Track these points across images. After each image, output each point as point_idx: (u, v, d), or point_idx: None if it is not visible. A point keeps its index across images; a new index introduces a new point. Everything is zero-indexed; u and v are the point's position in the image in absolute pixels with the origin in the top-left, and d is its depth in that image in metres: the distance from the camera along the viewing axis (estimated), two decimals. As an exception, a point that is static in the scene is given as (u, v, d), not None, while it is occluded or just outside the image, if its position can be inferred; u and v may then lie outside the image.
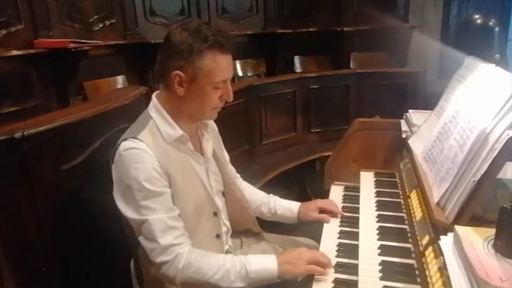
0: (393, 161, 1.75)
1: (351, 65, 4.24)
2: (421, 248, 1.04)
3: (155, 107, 1.22)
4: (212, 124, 1.41)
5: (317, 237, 1.44)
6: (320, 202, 1.49)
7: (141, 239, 1.15)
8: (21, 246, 1.16)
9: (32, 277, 1.19)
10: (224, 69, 1.16)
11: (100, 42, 2.92)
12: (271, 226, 1.61)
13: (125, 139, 1.15)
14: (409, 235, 1.18)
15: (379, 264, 1.07)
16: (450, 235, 0.87)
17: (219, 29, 1.15)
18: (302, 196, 3.31)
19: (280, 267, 1.15)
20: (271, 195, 1.57)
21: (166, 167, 1.15)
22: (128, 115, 1.35)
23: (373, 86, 3.34)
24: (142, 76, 3.45)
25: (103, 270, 1.34)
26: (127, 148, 1.13)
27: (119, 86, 3.15)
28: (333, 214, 1.45)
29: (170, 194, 1.17)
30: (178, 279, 1.13)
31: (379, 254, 1.11)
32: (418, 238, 1.09)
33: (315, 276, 1.13)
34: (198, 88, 1.15)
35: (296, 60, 4.34)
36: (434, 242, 0.99)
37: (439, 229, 0.96)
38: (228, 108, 2.82)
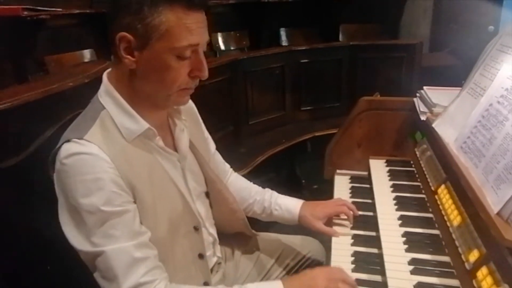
0: (403, 146, 1.53)
1: (340, 38, 3.98)
2: (467, 266, 0.82)
3: (106, 92, 0.89)
4: (188, 107, 1.08)
5: (322, 235, 1.22)
6: (331, 207, 1.20)
7: (96, 276, 0.84)
8: None
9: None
10: (191, 29, 0.82)
11: (61, 10, 2.54)
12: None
13: (67, 141, 0.83)
14: (443, 243, 0.96)
15: (415, 288, 0.85)
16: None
17: None
18: (291, 179, 3.09)
19: None
20: (266, 189, 1.28)
21: (127, 176, 0.85)
22: (86, 100, 1.04)
23: (366, 60, 3.12)
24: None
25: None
26: (71, 154, 0.81)
27: (86, 61, 2.79)
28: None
29: (136, 211, 0.86)
30: None
31: (412, 273, 0.88)
32: (461, 251, 0.86)
33: None
34: (154, 57, 0.82)
35: (282, 32, 4.03)
36: (487, 260, 0.77)
37: (498, 246, 0.73)
38: (210, 85, 2.57)
